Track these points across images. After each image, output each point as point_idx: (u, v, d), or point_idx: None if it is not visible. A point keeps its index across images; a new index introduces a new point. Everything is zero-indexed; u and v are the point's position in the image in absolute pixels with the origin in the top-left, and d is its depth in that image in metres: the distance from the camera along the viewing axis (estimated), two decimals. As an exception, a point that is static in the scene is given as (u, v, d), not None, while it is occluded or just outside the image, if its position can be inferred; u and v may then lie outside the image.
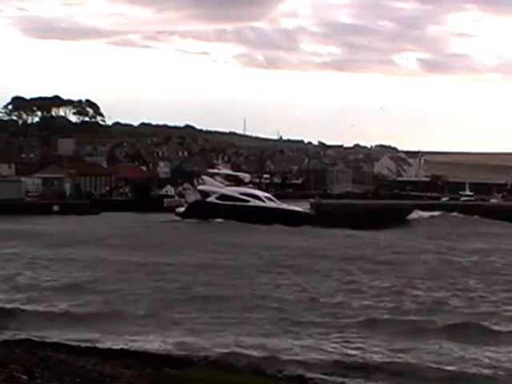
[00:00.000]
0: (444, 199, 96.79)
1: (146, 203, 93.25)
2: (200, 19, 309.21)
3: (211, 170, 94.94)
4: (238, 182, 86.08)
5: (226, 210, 75.17)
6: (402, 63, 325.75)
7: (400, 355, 20.82)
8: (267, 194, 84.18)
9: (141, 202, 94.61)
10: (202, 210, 76.75)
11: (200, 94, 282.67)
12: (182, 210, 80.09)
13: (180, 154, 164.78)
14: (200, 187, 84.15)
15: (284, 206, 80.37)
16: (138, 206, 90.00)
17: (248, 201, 78.10)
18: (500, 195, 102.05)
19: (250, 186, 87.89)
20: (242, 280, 34.70)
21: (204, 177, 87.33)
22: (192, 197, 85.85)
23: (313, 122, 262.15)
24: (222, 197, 78.58)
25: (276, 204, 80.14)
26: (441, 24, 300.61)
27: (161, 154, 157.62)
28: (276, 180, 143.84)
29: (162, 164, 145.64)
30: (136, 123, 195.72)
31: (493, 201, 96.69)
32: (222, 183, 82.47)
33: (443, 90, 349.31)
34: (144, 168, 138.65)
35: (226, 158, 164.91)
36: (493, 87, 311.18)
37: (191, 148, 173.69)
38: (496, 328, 24.58)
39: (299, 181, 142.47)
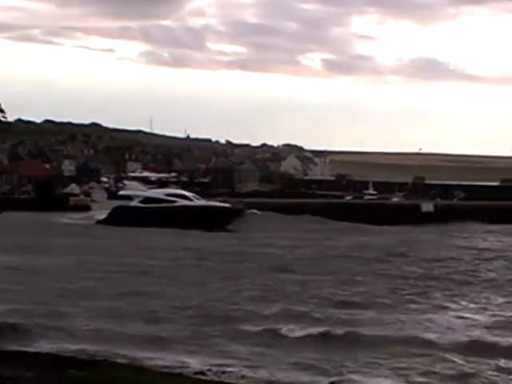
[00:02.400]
0: (348, 198, 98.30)
1: (50, 202, 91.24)
2: (104, 16, 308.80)
3: (132, 174, 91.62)
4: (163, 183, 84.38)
5: (152, 213, 71.20)
6: (307, 63, 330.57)
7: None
8: (193, 194, 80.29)
9: (45, 200, 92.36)
10: (125, 216, 71.48)
11: (106, 92, 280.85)
12: (102, 217, 74.20)
13: (85, 151, 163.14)
14: (121, 192, 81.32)
15: (211, 203, 77.12)
16: (42, 205, 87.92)
17: (175, 201, 75.41)
18: (401, 194, 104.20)
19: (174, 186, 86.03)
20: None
21: (127, 182, 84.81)
22: (98, 195, 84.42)
23: (220, 121, 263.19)
24: (146, 199, 75.86)
25: (204, 202, 77.16)
26: (344, 26, 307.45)
27: (65, 151, 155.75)
28: (183, 178, 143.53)
29: (66, 162, 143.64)
30: (39, 120, 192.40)
31: (395, 199, 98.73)
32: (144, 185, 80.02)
33: (347, 91, 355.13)
34: (48, 166, 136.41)
35: (133, 157, 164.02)
36: (394, 89, 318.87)
37: (97, 146, 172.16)
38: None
39: (207, 179, 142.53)
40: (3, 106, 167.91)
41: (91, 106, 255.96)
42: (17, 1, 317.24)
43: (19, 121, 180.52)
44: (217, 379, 17.08)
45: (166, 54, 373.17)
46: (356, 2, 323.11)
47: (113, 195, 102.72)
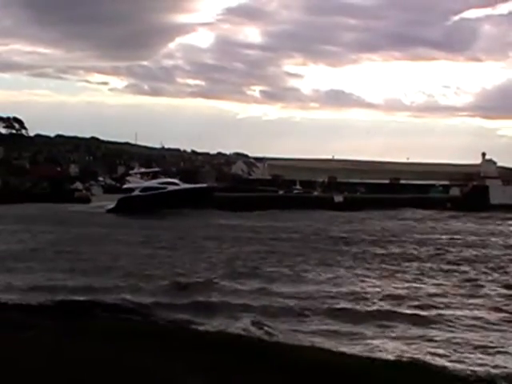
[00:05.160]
0: (281, 192, 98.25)
1: (61, 195, 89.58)
2: (100, 58, 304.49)
3: (131, 172, 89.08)
4: (156, 176, 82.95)
5: (149, 199, 69.91)
6: (250, 93, 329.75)
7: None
8: (179, 181, 79.25)
9: (56, 194, 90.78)
10: (129, 204, 70.08)
11: (102, 113, 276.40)
12: (110, 206, 71.08)
13: (87, 158, 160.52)
14: (125, 186, 78.99)
15: (194, 185, 77.69)
16: (54, 198, 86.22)
17: (166, 187, 74.22)
18: (320, 189, 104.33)
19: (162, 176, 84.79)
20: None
21: (128, 177, 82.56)
22: (96, 190, 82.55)
23: (187, 135, 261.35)
24: (145, 189, 73.77)
25: (188, 185, 76.69)
26: (277, 66, 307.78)
27: (72, 158, 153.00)
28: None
29: (72, 166, 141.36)
30: (53, 134, 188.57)
31: (315, 193, 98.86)
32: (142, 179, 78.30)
33: (280, 113, 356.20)
34: (59, 169, 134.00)
35: (122, 162, 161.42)
36: (314, 112, 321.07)
37: (95, 154, 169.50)
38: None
39: (177, 178, 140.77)
40: (26, 125, 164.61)
41: (91, 124, 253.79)
42: (36, 47, 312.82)
43: (38, 135, 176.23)
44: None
45: (146, 86, 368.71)
46: (286, 49, 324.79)
47: (106, 191, 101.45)
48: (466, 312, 20.33)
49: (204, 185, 76.75)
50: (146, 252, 32.65)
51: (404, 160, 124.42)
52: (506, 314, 20.23)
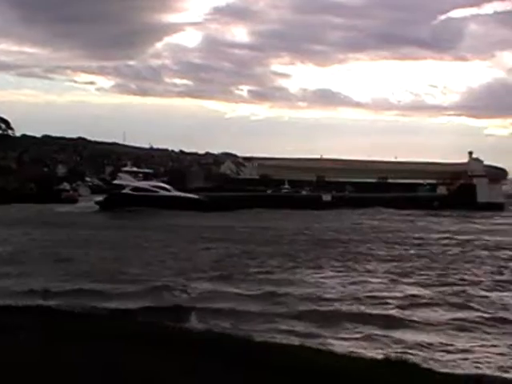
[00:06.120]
0: (269, 191, 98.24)
1: (48, 196, 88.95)
2: (87, 58, 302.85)
3: (124, 168, 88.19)
4: (150, 177, 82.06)
5: (138, 199, 69.63)
6: (238, 93, 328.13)
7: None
8: (171, 187, 77.57)
9: (43, 195, 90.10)
10: (118, 199, 70.46)
11: (89, 113, 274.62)
12: (100, 199, 72.50)
13: (74, 158, 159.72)
14: (116, 181, 78.33)
15: (186, 194, 75.34)
16: (41, 199, 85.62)
17: (157, 191, 73.48)
18: (308, 188, 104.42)
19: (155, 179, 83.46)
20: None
21: (120, 174, 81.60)
22: (83, 191, 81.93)
23: (175, 134, 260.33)
24: (136, 189, 73.26)
25: (180, 193, 75.54)
26: (265, 66, 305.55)
27: (59, 158, 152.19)
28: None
29: (60, 166, 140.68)
30: (39, 135, 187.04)
31: (304, 192, 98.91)
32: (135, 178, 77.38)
33: (268, 113, 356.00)
34: (46, 169, 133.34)
35: (110, 162, 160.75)
36: (301, 112, 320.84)
37: (83, 154, 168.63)
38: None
39: (165, 178, 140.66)
40: (12, 125, 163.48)
41: (78, 124, 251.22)
42: (22, 47, 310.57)
43: (24, 135, 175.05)
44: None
45: (133, 86, 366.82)
46: (274, 49, 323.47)
47: (94, 191, 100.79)
48: (442, 312, 20.23)
49: (195, 196, 74.67)
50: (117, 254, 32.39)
51: (392, 159, 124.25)
52: (481, 314, 20.07)
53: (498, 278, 27.71)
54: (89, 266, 28.55)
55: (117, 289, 22.53)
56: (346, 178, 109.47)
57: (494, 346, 16.71)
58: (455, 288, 24.35)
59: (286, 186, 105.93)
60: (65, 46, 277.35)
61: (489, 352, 15.98)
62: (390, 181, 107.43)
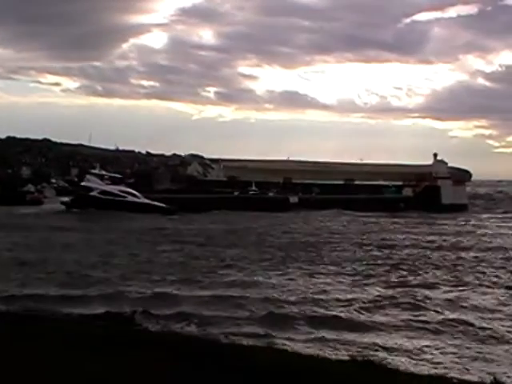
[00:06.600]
0: (236, 193, 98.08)
1: (12, 198, 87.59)
2: (52, 58, 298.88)
3: (93, 171, 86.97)
4: (118, 181, 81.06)
5: (106, 203, 68.67)
6: (204, 94, 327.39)
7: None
8: (139, 193, 75.52)
9: (7, 197, 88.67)
10: (85, 201, 69.72)
11: (54, 115, 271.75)
12: (67, 199, 72.47)
13: (39, 160, 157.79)
14: (83, 183, 77.30)
15: (154, 202, 73.28)
16: (6, 201, 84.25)
17: (126, 197, 72.70)
18: (275, 190, 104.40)
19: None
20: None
21: (88, 176, 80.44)
22: (48, 193, 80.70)
23: (141, 136, 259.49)
24: (103, 192, 72.25)
25: (148, 200, 73.61)
26: (232, 67, 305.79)
27: (24, 160, 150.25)
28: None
29: (24, 168, 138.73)
30: (3, 136, 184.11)
31: (270, 194, 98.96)
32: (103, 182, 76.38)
33: (234, 115, 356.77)
34: (10, 170, 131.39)
35: (75, 163, 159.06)
36: (268, 114, 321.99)
37: (48, 155, 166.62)
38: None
39: (132, 180, 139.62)
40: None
41: (44, 125, 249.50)
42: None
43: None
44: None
45: (99, 87, 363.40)
46: (240, 51, 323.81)
47: (59, 193, 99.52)
48: (400, 314, 20.41)
49: (163, 205, 73.29)
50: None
51: (358, 161, 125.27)
52: (439, 315, 20.31)
53: (457, 279, 28.13)
54: (52, 268, 28.16)
55: (77, 293, 22.29)
56: (312, 180, 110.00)
57: (454, 345, 16.95)
58: (416, 289, 24.64)
59: (253, 188, 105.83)
60: (28, 46, 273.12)
61: (448, 352, 16.22)
62: (357, 182, 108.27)
